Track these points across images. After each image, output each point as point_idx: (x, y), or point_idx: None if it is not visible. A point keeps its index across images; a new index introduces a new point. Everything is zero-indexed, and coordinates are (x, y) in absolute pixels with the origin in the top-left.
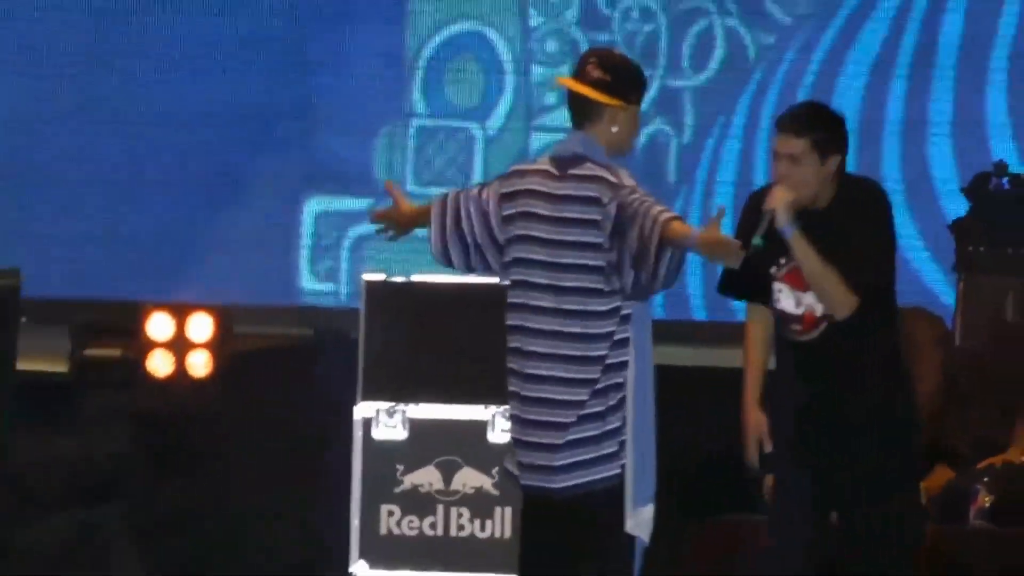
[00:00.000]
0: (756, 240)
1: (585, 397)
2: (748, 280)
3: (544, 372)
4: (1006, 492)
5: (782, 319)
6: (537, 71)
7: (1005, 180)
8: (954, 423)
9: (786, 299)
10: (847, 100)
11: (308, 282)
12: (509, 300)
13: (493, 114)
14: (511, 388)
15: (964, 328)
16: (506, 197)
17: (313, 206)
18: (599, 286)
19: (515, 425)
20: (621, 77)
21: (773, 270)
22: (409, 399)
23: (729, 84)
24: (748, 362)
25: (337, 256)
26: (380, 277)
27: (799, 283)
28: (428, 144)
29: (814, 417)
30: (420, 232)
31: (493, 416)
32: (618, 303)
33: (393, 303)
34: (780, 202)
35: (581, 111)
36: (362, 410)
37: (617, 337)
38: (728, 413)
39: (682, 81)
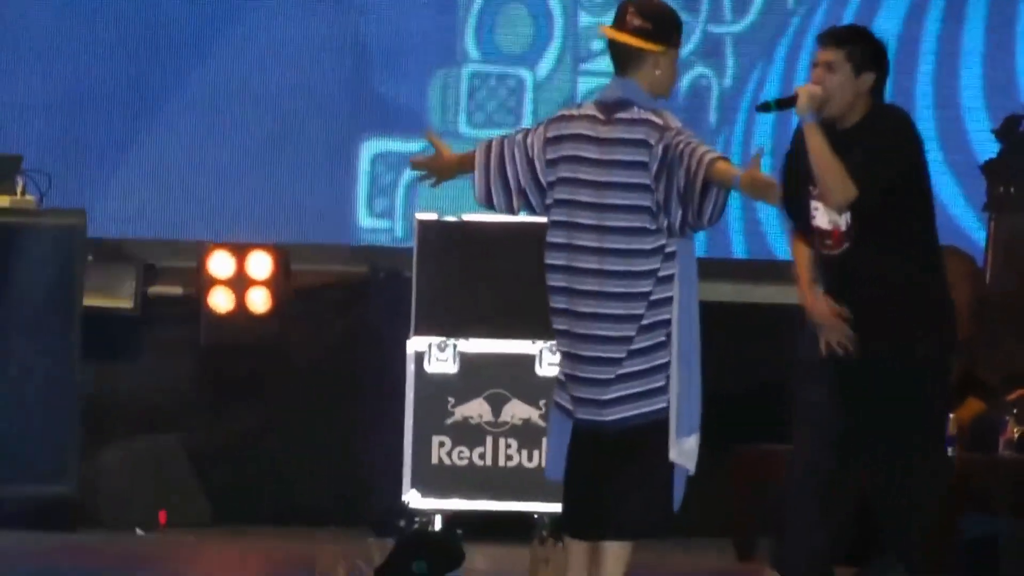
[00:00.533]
0: (771, 100)
1: (632, 333)
2: (797, 205)
3: (593, 310)
4: None
5: (817, 236)
6: (584, 18)
7: None
8: (985, 357)
9: (820, 216)
10: None
11: (364, 221)
12: (550, 240)
13: (542, 60)
14: (558, 327)
15: (995, 266)
16: (552, 141)
17: (370, 147)
18: (645, 225)
19: (567, 361)
20: (661, 23)
21: (811, 188)
22: (460, 334)
23: (768, 30)
24: (797, 262)
25: (393, 196)
26: (433, 216)
27: None
28: (480, 88)
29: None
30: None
31: (540, 351)
32: (663, 241)
33: (445, 242)
34: (807, 92)
35: (624, 59)
36: (415, 344)
37: (662, 274)
38: (764, 348)
39: (723, 27)
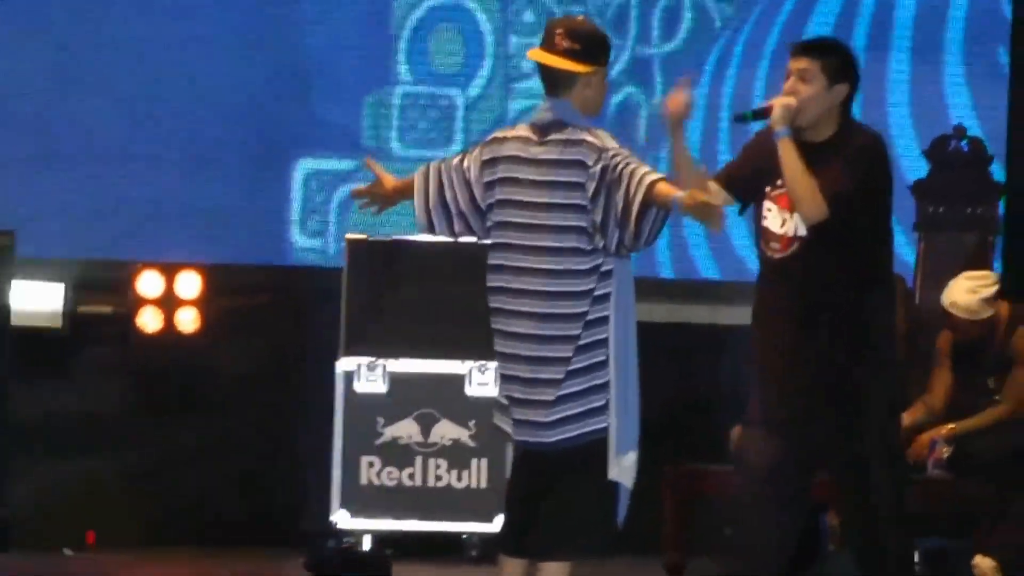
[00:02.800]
0: (747, 112)
1: (570, 353)
2: (750, 189)
3: (530, 331)
4: (963, 444)
5: (764, 236)
6: (514, 40)
7: (964, 143)
8: (915, 377)
9: (772, 218)
10: None
11: (297, 241)
12: (490, 262)
13: (473, 81)
14: (499, 349)
15: (925, 286)
16: (488, 163)
17: (304, 166)
18: (580, 245)
19: (507, 384)
20: (589, 44)
21: (768, 189)
22: (389, 354)
23: (695, 51)
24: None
25: (326, 215)
26: (362, 236)
27: (788, 205)
28: (412, 109)
29: (789, 338)
30: None
31: (470, 371)
32: (598, 261)
33: (375, 261)
34: (781, 104)
35: (554, 81)
36: (344, 364)
37: (597, 293)
38: (692, 367)
39: (651, 49)
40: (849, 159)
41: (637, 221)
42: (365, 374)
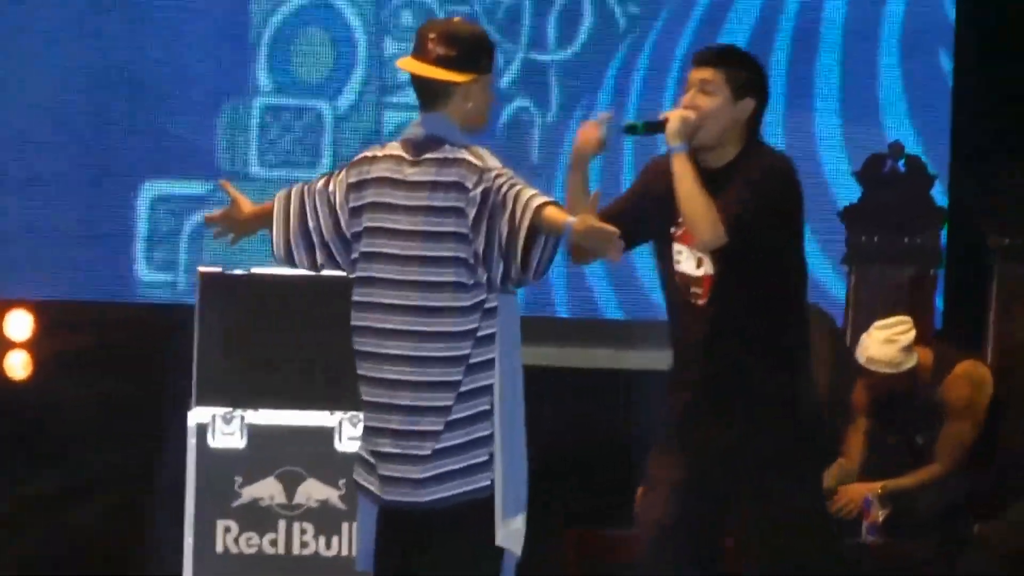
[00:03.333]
0: (638, 123)
1: (450, 402)
2: (638, 231)
3: (402, 376)
4: (897, 504)
5: (681, 282)
6: (390, 45)
7: (901, 162)
8: (845, 422)
9: (686, 261)
10: None
11: (143, 274)
12: (355, 299)
13: (343, 91)
14: (367, 398)
15: (856, 324)
16: (354, 187)
17: (149, 191)
18: (461, 279)
19: (372, 436)
20: (467, 49)
21: (672, 230)
22: (248, 404)
23: (597, 58)
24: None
25: (175, 245)
26: (217, 269)
27: None
28: (273, 123)
29: (714, 385)
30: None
31: (340, 423)
32: (482, 297)
33: (231, 298)
34: (679, 116)
35: (430, 93)
36: (197, 416)
37: (481, 334)
38: (591, 415)
39: (547, 56)
40: (754, 181)
41: (525, 251)
42: (220, 427)
